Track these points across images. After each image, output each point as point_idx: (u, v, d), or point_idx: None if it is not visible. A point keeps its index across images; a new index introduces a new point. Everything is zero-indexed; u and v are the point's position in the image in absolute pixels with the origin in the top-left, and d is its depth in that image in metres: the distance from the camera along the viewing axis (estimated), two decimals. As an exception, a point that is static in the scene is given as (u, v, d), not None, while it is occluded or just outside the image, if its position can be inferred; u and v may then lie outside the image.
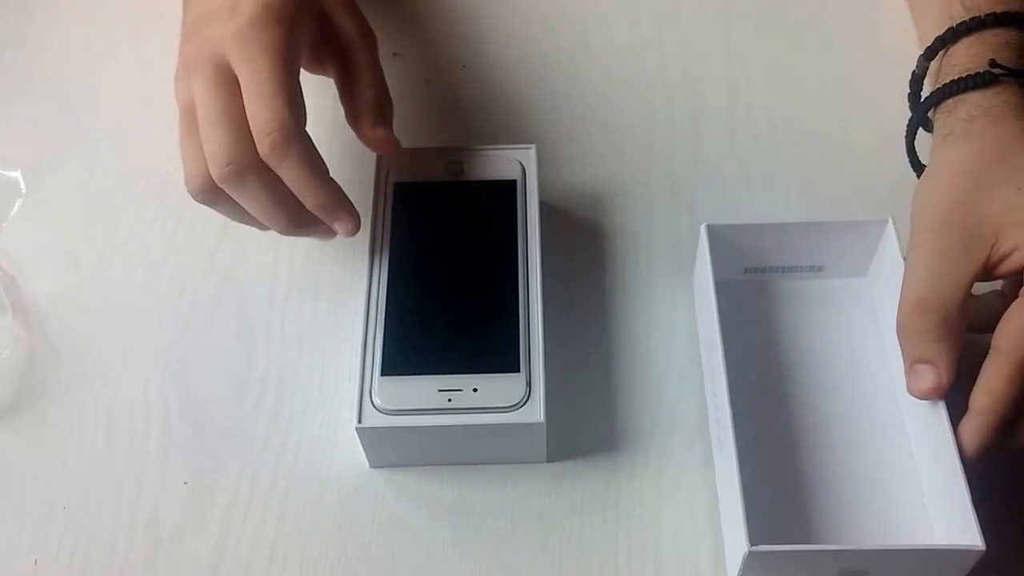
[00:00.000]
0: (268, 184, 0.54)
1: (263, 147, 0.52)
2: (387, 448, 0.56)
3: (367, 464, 0.57)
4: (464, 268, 0.59)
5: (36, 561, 0.55)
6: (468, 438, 0.55)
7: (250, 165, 0.53)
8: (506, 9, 0.78)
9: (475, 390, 0.54)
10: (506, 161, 0.63)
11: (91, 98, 0.75)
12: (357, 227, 0.57)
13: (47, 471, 0.58)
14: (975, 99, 0.56)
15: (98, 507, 0.57)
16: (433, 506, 0.56)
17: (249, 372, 0.61)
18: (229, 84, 0.54)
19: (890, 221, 0.57)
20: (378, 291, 0.58)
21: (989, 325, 0.51)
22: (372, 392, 0.54)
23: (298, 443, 0.58)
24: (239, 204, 0.55)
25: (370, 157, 0.62)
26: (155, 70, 0.75)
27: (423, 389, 0.54)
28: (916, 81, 0.62)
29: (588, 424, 0.58)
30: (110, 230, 0.68)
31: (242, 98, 0.54)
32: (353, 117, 0.60)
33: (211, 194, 0.55)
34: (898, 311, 0.52)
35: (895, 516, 0.53)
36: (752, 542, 0.46)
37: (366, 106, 0.59)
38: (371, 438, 0.55)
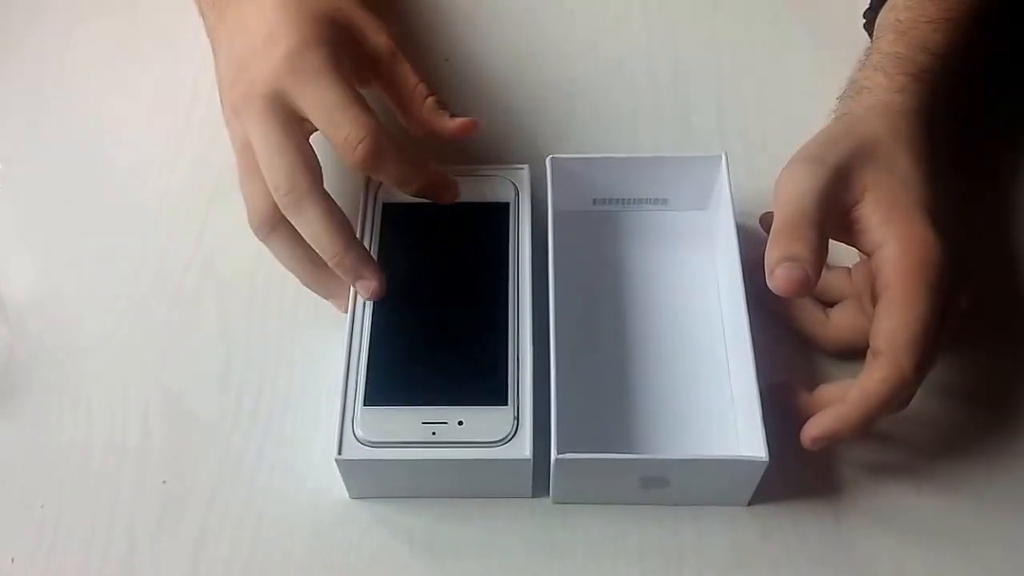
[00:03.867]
0: (327, 209, 0.54)
1: (356, 156, 0.53)
2: (367, 480, 0.55)
3: (346, 493, 0.56)
4: (452, 295, 0.57)
5: (13, 559, 0.54)
6: (451, 471, 0.54)
7: (311, 189, 0.53)
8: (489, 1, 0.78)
9: (460, 423, 0.52)
10: (499, 183, 0.61)
11: (68, 92, 0.74)
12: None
13: (24, 469, 0.58)
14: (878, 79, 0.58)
15: (76, 505, 0.56)
16: (414, 538, 0.55)
17: (229, 372, 0.60)
18: (284, 114, 0.54)
19: (724, 156, 0.60)
20: (362, 317, 0.56)
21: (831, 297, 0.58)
22: (354, 422, 0.53)
23: (278, 443, 0.58)
24: (295, 240, 0.55)
25: (357, 175, 0.62)
26: (134, 63, 0.75)
27: (406, 421, 0.53)
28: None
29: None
30: (89, 227, 0.67)
31: (298, 126, 0.54)
32: (418, 122, 0.60)
33: (270, 227, 0.55)
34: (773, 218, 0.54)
35: (706, 431, 0.56)
36: (560, 450, 0.50)
37: (430, 108, 0.59)
38: (351, 470, 0.54)
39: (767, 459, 0.51)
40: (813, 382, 0.56)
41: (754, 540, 0.54)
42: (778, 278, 0.50)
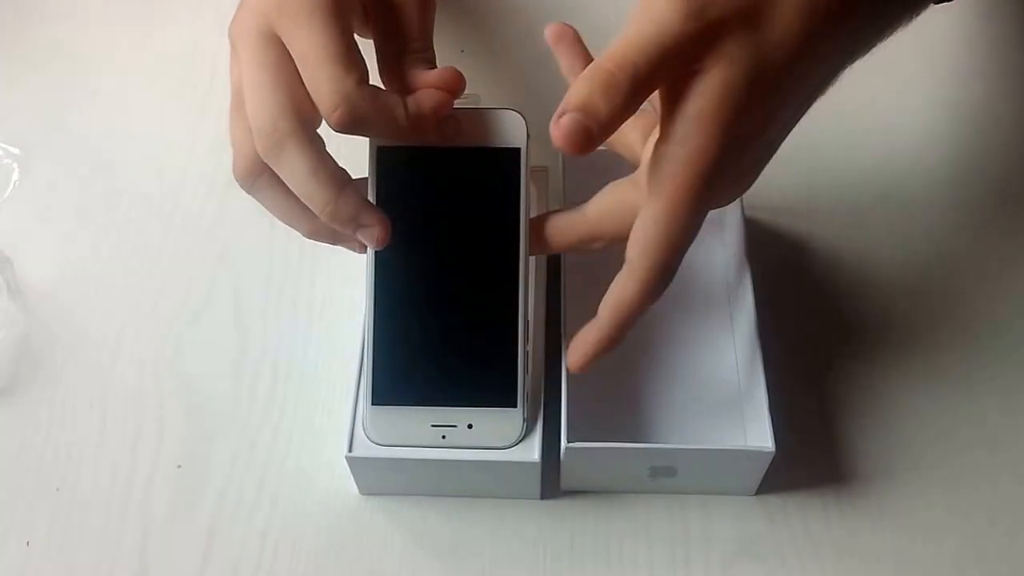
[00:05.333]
0: (311, 153, 0.48)
1: (331, 122, 0.47)
2: (377, 477, 0.55)
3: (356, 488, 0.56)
4: (458, 271, 0.52)
5: (28, 543, 0.55)
6: (460, 472, 0.53)
7: (293, 131, 0.48)
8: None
9: (470, 426, 0.51)
10: (509, 119, 0.52)
11: (85, 78, 0.74)
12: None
13: (40, 453, 0.58)
14: None
15: (91, 489, 0.57)
16: (422, 535, 0.55)
17: (243, 361, 0.61)
18: (274, 51, 0.49)
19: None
20: (369, 309, 0.53)
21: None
22: (365, 421, 0.52)
23: (291, 432, 0.58)
24: (282, 190, 0.50)
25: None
26: (151, 51, 0.76)
27: (416, 423, 0.51)
28: None
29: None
30: (107, 213, 0.67)
31: (290, 64, 0.49)
32: (396, 76, 0.52)
33: (253, 176, 0.50)
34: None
35: (714, 422, 0.57)
36: (570, 439, 0.51)
37: (411, 61, 0.52)
38: (361, 467, 0.54)
39: (773, 450, 0.51)
40: (822, 371, 0.57)
41: (761, 529, 0.54)
42: (564, 126, 0.42)
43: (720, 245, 0.63)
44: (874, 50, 0.48)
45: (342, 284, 0.63)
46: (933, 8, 0.51)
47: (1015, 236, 0.65)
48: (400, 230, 0.50)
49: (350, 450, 0.52)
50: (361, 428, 0.52)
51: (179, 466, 0.57)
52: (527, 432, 0.51)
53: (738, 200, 0.58)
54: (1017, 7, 0.75)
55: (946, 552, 0.54)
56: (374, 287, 0.52)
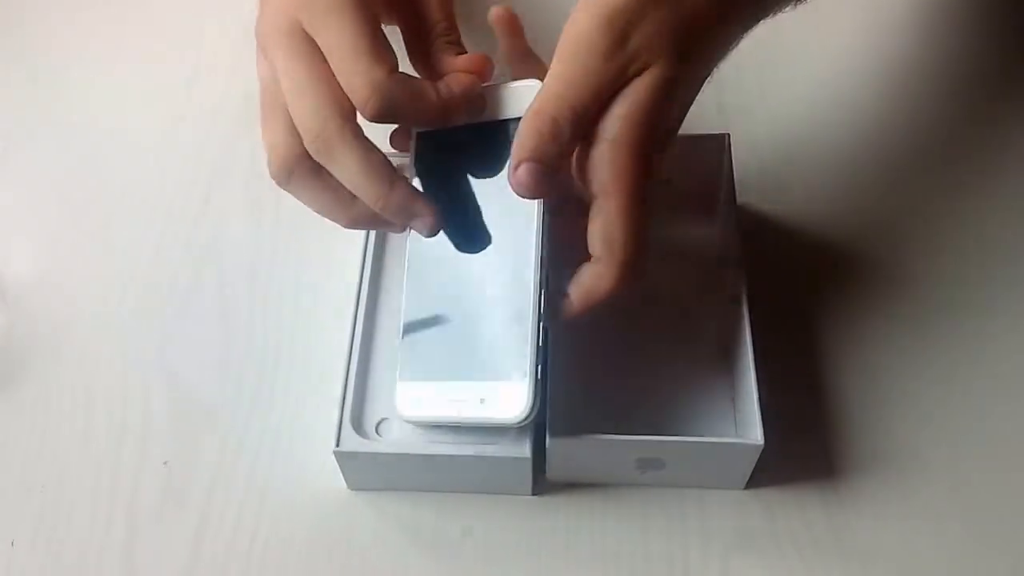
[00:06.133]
0: (362, 149, 0.50)
1: (365, 115, 0.49)
2: (365, 472, 0.54)
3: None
4: (481, 246, 0.52)
5: (13, 542, 0.55)
6: (450, 467, 0.53)
7: (342, 129, 0.49)
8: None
9: (482, 401, 0.50)
10: (535, 94, 0.50)
11: (66, 72, 0.74)
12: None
13: (25, 451, 0.58)
14: None
15: (76, 487, 0.56)
16: (411, 530, 0.55)
17: (229, 357, 0.61)
18: (306, 48, 0.50)
19: (727, 137, 0.60)
20: (363, 306, 0.54)
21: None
22: (396, 397, 0.51)
23: (278, 429, 0.58)
24: (320, 184, 0.51)
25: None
26: (133, 44, 0.76)
27: (436, 397, 0.51)
28: None
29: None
30: (90, 208, 0.67)
31: (323, 60, 0.50)
32: (423, 62, 0.54)
33: (289, 173, 0.51)
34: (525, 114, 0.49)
35: (705, 414, 0.56)
36: (556, 430, 0.51)
37: (440, 45, 0.54)
38: (349, 462, 0.54)
39: (762, 443, 0.50)
40: (814, 363, 0.56)
41: (758, 522, 0.54)
42: (521, 177, 0.47)
43: (711, 235, 0.62)
44: None
45: (327, 278, 0.63)
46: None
47: (1011, 223, 0.64)
48: (438, 208, 0.52)
49: (338, 445, 0.52)
50: (349, 422, 0.52)
51: (165, 463, 0.57)
52: (537, 410, 0.49)
53: (730, 185, 0.59)
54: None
55: (943, 543, 0.53)
56: (409, 264, 0.53)
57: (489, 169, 0.52)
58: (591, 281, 0.48)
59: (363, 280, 0.58)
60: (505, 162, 0.50)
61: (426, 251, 0.53)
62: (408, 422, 0.52)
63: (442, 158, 0.53)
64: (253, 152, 0.68)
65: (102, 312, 0.62)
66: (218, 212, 0.65)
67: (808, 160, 0.67)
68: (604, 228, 0.48)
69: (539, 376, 0.49)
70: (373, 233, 0.59)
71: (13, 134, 0.71)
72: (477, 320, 0.51)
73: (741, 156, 0.60)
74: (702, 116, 0.70)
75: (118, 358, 0.61)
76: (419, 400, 0.51)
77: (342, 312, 0.56)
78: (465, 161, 0.53)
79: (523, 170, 0.47)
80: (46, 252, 0.65)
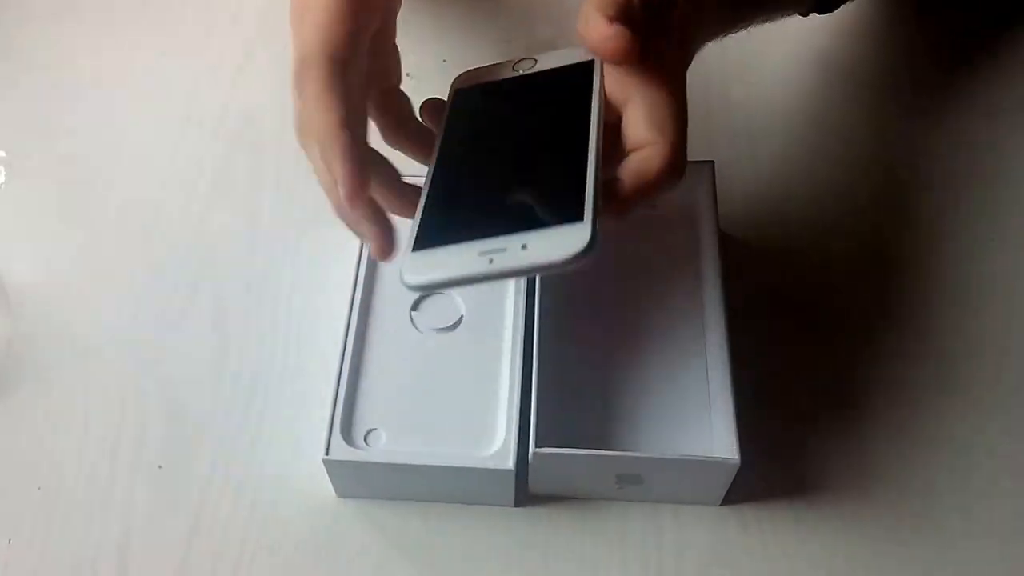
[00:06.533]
0: (342, 146, 0.46)
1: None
2: (353, 480, 0.55)
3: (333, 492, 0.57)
4: (524, 147, 0.49)
5: (9, 541, 0.56)
6: (435, 477, 0.54)
7: (328, 132, 0.46)
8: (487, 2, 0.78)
9: (524, 247, 0.41)
10: (576, 51, 0.50)
11: (71, 80, 0.75)
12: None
13: (23, 453, 0.59)
14: None
15: (73, 489, 0.57)
16: (398, 538, 0.56)
17: (224, 363, 0.62)
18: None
19: (712, 164, 0.61)
20: (358, 302, 0.55)
21: None
22: (402, 270, 0.43)
23: (270, 434, 0.59)
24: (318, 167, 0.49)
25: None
26: (137, 58, 0.76)
27: (461, 255, 0.42)
28: None
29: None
30: (91, 217, 0.68)
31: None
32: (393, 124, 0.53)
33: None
34: None
35: (683, 431, 0.56)
36: (538, 444, 0.52)
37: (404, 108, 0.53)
38: (337, 470, 0.54)
39: (738, 460, 0.52)
40: (791, 381, 0.58)
41: (734, 538, 0.55)
42: (608, 38, 0.47)
43: (692, 255, 0.63)
44: None
45: (321, 291, 0.63)
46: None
47: (990, 246, 0.66)
48: (471, 117, 0.51)
49: (327, 453, 0.53)
50: (338, 430, 0.53)
51: (160, 467, 0.58)
52: (592, 247, 0.41)
53: (713, 212, 0.60)
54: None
55: (914, 563, 0.55)
56: (440, 144, 0.49)
57: (533, 115, 0.50)
58: (642, 165, 0.47)
59: (355, 291, 0.59)
60: (549, 109, 0.49)
61: (463, 132, 0.50)
62: (416, 289, 0.43)
63: (484, 107, 0.51)
64: (250, 163, 0.70)
65: (100, 319, 0.63)
66: (215, 226, 0.66)
67: (791, 185, 0.68)
68: (652, 113, 0.48)
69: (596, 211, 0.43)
70: (366, 246, 0.60)
71: (16, 140, 0.71)
72: (515, 177, 0.47)
73: (725, 183, 0.61)
74: (688, 144, 0.71)
75: (116, 365, 0.62)
76: (435, 264, 0.43)
77: (334, 323, 0.57)
78: (508, 109, 0.51)
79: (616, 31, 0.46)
80: (48, 259, 0.66)
